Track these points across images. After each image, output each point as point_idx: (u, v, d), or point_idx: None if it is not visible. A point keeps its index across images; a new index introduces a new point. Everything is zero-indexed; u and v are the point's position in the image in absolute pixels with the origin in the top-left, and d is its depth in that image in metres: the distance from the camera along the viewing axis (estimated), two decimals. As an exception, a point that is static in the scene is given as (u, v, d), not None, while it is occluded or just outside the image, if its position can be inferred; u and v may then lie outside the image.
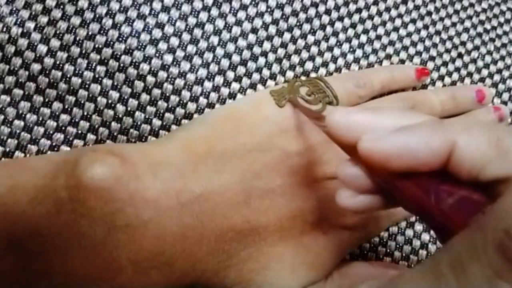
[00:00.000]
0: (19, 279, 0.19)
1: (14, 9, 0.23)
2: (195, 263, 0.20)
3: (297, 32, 0.27)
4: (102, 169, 0.19)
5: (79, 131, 0.24)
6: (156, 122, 0.24)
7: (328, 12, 0.28)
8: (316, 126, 0.20)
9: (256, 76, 0.26)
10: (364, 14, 0.29)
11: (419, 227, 0.27)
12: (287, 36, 0.27)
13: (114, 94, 0.24)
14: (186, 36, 0.25)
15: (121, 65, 0.24)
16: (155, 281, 0.19)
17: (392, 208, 0.18)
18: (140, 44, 0.24)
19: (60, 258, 0.18)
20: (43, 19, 0.23)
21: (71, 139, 0.24)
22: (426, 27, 0.30)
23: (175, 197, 0.20)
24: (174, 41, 0.25)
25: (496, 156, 0.14)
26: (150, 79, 0.24)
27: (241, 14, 0.26)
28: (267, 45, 0.26)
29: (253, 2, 0.26)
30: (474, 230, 0.12)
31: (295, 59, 0.27)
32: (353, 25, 0.28)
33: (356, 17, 0.28)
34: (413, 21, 0.30)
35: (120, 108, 0.24)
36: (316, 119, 0.21)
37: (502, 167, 0.14)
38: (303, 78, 0.27)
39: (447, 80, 0.30)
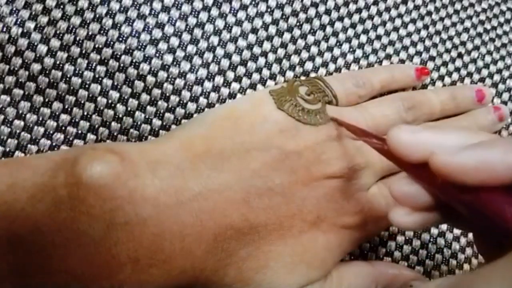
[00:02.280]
0: (19, 277, 0.19)
1: (14, 9, 0.23)
2: (194, 261, 0.20)
3: (297, 32, 0.27)
4: (101, 167, 0.19)
5: (79, 131, 0.24)
6: (156, 122, 0.24)
7: (328, 12, 0.28)
8: (368, 144, 0.21)
9: (256, 76, 0.26)
10: (364, 14, 0.29)
11: (419, 227, 0.27)
12: (287, 36, 0.27)
13: (114, 94, 0.24)
14: (186, 36, 0.25)
15: (121, 65, 0.24)
16: (154, 279, 0.20)
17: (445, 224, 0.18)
18: (140, 44, 0.24)
19: (60, 255, 0.18)
20: (43, 19, 0.23)
21: (71, 139, 0.24)
22: (426, 27, 0.30)
23: (174, 195, 0.20)
24: (174, 41, 0.25)
25: None
26: (150, 79, 0.24)
27: (241, 14, 0.26)
28: (267, 45, 0.26)
29: (253, 2, 0.26)
30: None
31: (295, 59, 0.27)
32: (353, 25, 0.28)
33: (356, 17, 0.28)
34: (413, 21, 0.30)
35: (120, 108, 0.24)
36: (366, 136, 0.21)
37: None
38: (302, 78, 0.27)
39: (447, 80, 0.30)
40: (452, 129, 0.18)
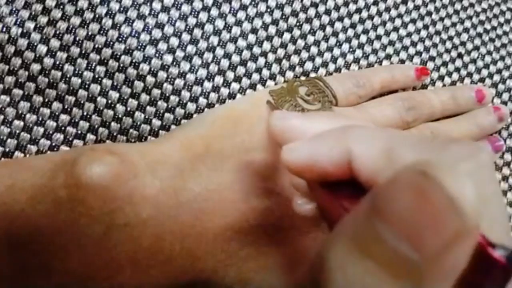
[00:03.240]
0: (18, 278, 0.19)
1: (14, 9, 0.23)
2: (194, 262, 0.20)
3: (296, 32, 0.27)
4: (101, 168, 0.19)
5: (79, 131, 0.24)
6: (156, 122, 0.24)
7: (328, 12, 0.28)
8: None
9: (255, 77, 0.26)
10: (364, 14, 0.29)
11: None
12: (286, 36, 0.27)
13: (114, 94, 0.24)
14: (186, 36, 0.25)
15: (121, 65, 0.24)
16: (154, 280, 0.20)
17: None
18: (140, 44, 0.24)
19: (59, 257, 0.18)
20: (43, 19, 0.23)
21: (70, 139, 0.24)
22: (426, 27, 0.30)
23: (174, 195, 0.20)
24: (174, 41, 0.25)
25: (387, 166, 0.13)
26: (150, 79, 0.24)
27: (241, 14, 0.26)
28: (266, 45, 0.26)
29: (253, 2, 0.26)
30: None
31: (294, 59, 0.27)
32: (353, 25, 0.28)
33: (356, 17, 0.28)
34: (413, 21, 0.30)
35: (120, 108, 0.24)
36: None
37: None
38: (302, 78, 0.27)
39: (447, 80, 0.30)
40: (321, 117, 0.17)
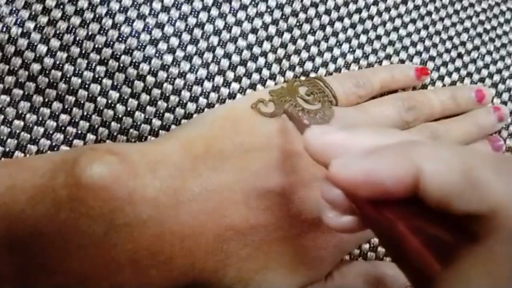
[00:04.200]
0: (19, 278, 0.19)
1: (14, 9, 0.23)
2: (194, 262, 0.20)
3: (296, 32, 0.27)
4: (101, 168, 0.19)
5: (79, 131, 0.24)
6: (156, 122, 0.24)
7: (328, 12, 0.28)
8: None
9: (255, 76, 0.26)
10: (364, 14, 0.29)
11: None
12: (286, 36, 0.27)
13: (114, 94, 0.24)
14: (186, 36, 0.25)
15: (121, 65, 0.24)
16: (154, 280, 0.20)
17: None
18: (140, 44, 0.24)
19: (59, 257, 0.18)
20: (43, 19, 0.23)
21: (71, 139, 0.24)
22: (426, 27, 0.30)
23: (173, 196, 0.20)
24: (174, 41, 0.25)
25: (466, 187, 0.12)
26: (150, 79, 0.24)
27: (241, 14, 0.26)
28: (266, 45, 0.26)
29: (253, 2, 0.26)
30: None
31: (294, 59, 0.27)
32: (353, 25, 0.28)
33: (356, 17, 0.28)
34: (413, 21, 0.30)
35: (120, 108, 0.24)
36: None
37: (472, 201, 0.12)
38: (302, 78, 0.27)
39: (447, 80, 0.30)
40: (361, 130, 0.16)
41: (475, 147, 0.28)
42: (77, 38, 0.23)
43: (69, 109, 0.24)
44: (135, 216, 0.19)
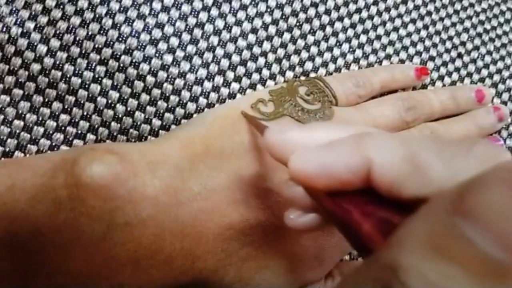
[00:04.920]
0: (19, 278, 0.19)
1: (14, 9, 0.23)
2: (194, 261, 0.20)
3: (296, 32, 0.27)
4: (101, 167, 0.19)
5: (79, 131, 0.24)
6: (156, 122, 0.24)
7: (328, 12, 0.28)
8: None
9: (255, 76, 0.26)
10: (364, 14, 0.29)
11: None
12: (286, 36, 0.27)
13: (114, 94, 0.24)
14: (186, 36, 0.25)
15: (121, 65, 0.24)
16: (154, 279, 0.20)
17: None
18: (140, 44, 0.24)
19: (60, 256, 0.18)
20: (43, 19, 0.23)
21: (70, 139, 0.24)
22: (426, 27, 0.30)
23: (173, 195, 0.20)
24: (174, 41, 0.25)
25: (411, 173, 0.13)
26: (150, 79, 0.24)
27: (241, 14, 0.26)
28: (266, 45, 0.26)
29: (253, 2, 0.26)
30: (366, 264, 0.12)
31: (294, 59, 0.27)
32: (353, 25, 0.28)
33: (356, 17, 0.28)
34: (413, 21, 0.30)
35: (120, 108, 0.24)
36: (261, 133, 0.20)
37: (417, 185, 0.13)
38: (302, 78, 0.27)
39: (447, 80, 0.30)
40: (320, 125, 0.16)
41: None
42: (77, 38, 0.23)
43: (69, 109, 0.24)
44: (135, 215, 0.19)
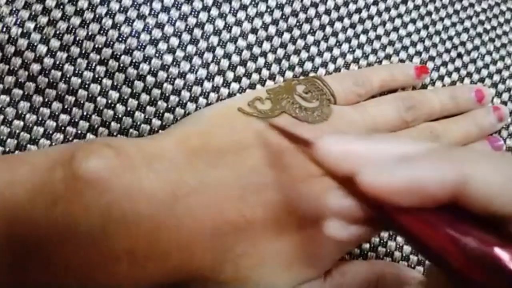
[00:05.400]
0: (17, 271, 0.19)
1: (14, 9, 0.23)
2: (191, 256, 0.20)
3: (296, 32, 0.27)
4: (98, 161, 0.19)
5: (79, 131, 0.24)
6: (156, 122, 0.24)
7: (327, 12, 0.28)
8: (302, 153, 0.19)
9: (255, 77, 0.26)
10: (364, 14, 0.29)
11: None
12: (286, 36, 0.27)
13: (114, 94, 0.24)
14: (186, 36, 0.25)
15: (121, 65, 0.24)
16: (151, 273, 0.20)
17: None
18: (140, 44, 0.24)
19: (56, 249, 0.18)
20: (43, 19, 0.23)
21: (70, 139, 0.24)
22: (426, 27, 0.30)
23: (170, 189, 0.20)
24: (174, 41, 0.25)
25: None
26: (150, 79, 0.24)
27: (241, 14, 0.26)
28: (266, 46, 0.26)
29: (253, 2, 0.26)
30: None
31: (294, 59, 0.27)
32: (353, 25, 0.28)
33: (355, 17, 0.28)
34: (413, 21, 0.30)
35: (120, 108, 0.24)
36: (301, 144, 0.19)
37: None
38: (301, 78, 0.27)
39: (447, 80, 0.30)
40: (381, 139, 0.16)
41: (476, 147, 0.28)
42: (77, 38, 0.23)
43: (69, 109, 0.24)
44: (131, 208, 0.19)
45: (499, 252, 0.13)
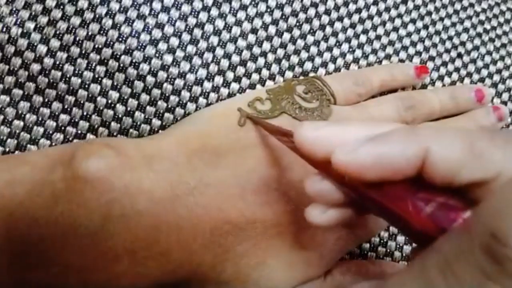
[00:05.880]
0: (17, 270, 0.19)
1: (14, 9, 0.23)
2: (191, 255, 0.20)
3: (296, 33, 0.27)
4: (98, 161, 0.19)
5: (79, 131, 0.24)
6: (156, 122, 0.24)
7: (327, 12, 0.28)
8: (283, 143, 0.20)
9: (255, 77, 0.26)
10: (364, 14, 0.29)
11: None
12: (286, 36, 0.27)
13: (114, 94, 0.24)
14: (186, 36, 0.25)
15: (121, 65, 0.24)
16: (151, 272, 0.20)
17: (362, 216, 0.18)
18: (140, 44, 0.24)
19: (57, 248, 0.19)
20: (43, 19, 0.23)
21: (70, 139, 0.24)
22: (426, 27, 0.30)
23: (169, 189, 0.20)
24: (174, 41, 0.25)
25: (470, 160, 0.14)
26: (150, 79, 0.24)
27: (241, 14, 0.26)
28: (266, 46, 0.26)
29: (253, 2, 0.26)
30: (461, 233, 0.12)
31: (294, 59, 0.27)
32: (353, 25, 0.28)
33: (355, 17, 0.28)
34: (413, 21, 0.30)
35: (120, 108, 0.24)
36: (281, 134, 0.20)
37: (477, 170, 0.14)
38: (301, 78, 0.27)
39: (447, 80, 0.30)
40: (354, 122, 0.17)
41: None
42: (77, 38, 0.23)
43: (69, 109, 0.24)
44: (132, 207, 0.19)
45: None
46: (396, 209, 0.15)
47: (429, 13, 0.30)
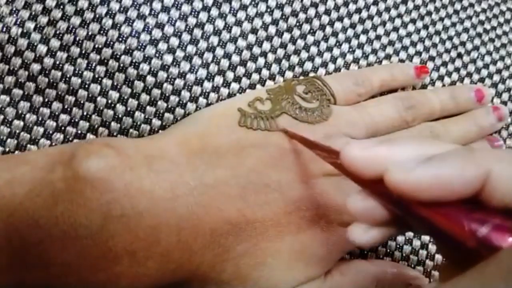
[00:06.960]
0: (17, 270, 0.19)
1: (14, 9, 0.23)
2: (191, 255, 0.20)
3: (296, 33, 0.27)
4: (98, 160, 0.19)
5: (79, 131, 0.24)
6: (156, 122, 0.24)
7: (327, 12, 0.28)
8: (321, 158, 0.20)
9: (255, 77, 0.26)
10: (364, 14, 0.29)
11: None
12: (286, 36, 0.27)
13: (114, 94, 0.24)
14: (186, 36, 0.25)
15: (121, 65, 0.24)
16: (151, 272, 0.20)
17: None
18: (140, 44, 0.24)
19: (57, 248, 0.19)
20: (43, 19, 0.23)
21: (70, 139, 0.24)
22: (426, 27, 0.30)
23: (169, 189, 0.20)
24: (174, 41, 0.25)
25: None
26: (150, 79, 0.24)
27: (241, 15, 0.26)
28: (266, 46, 0.26)
29: (253, 2, 0.26)
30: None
31: (294, 59, 0.27)
32: (353, 25, 0.28)
33: (355, 17, 0.28)
34: (413, 21, 0.30)
35: (120, 108, 0.24)
36: (320, 150, 0.20)
37: None
38: (301, 78, 0.27)
39: (447, 80, 0.30)
40: (406, 141, 0.17)
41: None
42: (77, 38, 0.23)
43: (69, 109, 0.24)
44: (132, 207, 0.19)
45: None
46: (451, 229, 0.14)
47: (429, 13, 0.30)
